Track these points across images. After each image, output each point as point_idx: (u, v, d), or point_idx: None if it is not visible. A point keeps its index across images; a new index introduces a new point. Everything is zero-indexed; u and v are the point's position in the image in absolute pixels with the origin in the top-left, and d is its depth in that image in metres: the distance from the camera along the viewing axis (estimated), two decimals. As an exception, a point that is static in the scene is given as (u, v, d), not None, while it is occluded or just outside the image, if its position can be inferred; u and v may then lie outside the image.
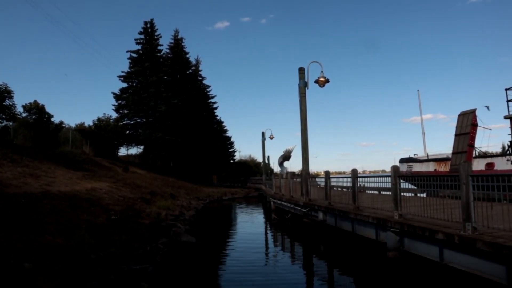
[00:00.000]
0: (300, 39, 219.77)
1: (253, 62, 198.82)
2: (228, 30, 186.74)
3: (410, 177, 10.29)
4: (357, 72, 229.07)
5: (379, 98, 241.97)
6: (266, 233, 18.04)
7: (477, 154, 22.46)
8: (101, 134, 35.81)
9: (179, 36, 54.38)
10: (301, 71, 17.28)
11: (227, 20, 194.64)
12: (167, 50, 52.65)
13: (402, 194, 9.08)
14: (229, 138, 65.26)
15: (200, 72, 58.97)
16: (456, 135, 22.17)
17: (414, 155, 28.84)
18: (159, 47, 48.02)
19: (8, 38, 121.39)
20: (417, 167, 26.60)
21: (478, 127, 21.61)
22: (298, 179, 19.41)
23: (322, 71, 16.41)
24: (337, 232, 12.69)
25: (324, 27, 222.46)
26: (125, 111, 44.89)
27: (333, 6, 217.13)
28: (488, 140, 44.71)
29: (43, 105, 26.29)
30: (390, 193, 9.36)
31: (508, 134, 21.54)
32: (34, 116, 25.75)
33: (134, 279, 7.62)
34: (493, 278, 5.85)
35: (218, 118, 62.14)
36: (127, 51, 46.24)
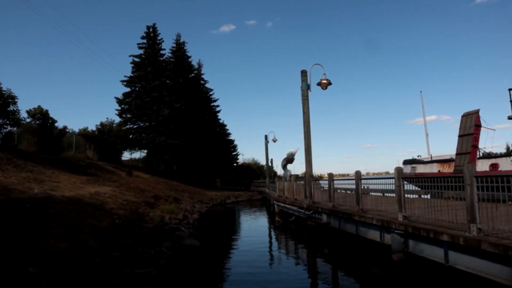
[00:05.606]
0: (304, 41, 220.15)
1: (256, 65, 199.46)
2: (233, 33, 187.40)
3: (414, 178, 10.23)
4: (360, 74, 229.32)
5: (382, 100, 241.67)
6: (270, 236, 17.99)
7: (481, 155, 22.31)
8: (105, 139, 35.92)
9: (181, 40, 54.73)
10: (304, 73, 17.31)
11: (233, 24, 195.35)
12: (170, 55, 52.94)
13: (406, 195, 9.06)
14: (232, 141, 65.36)
15: (202, 76, 59.16)
16: (459, 136, 22.05)
17: (418, 156, 28.65)
18: (162, 52, 48.22)
19: (11, 43, 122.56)
20: (420, 169, 26.43)
21: (482, 128, 21.48)
22: (302, 182, 19.38)
23: (324, 74, 16.43)
24: (341, 235, 12.65)
25: (327, 29, 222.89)
26: (128, 116, 45.01)
27: (336, 9, 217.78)
28: (492, 140, 44.24)
29: (47, 110, 26.42)
30: (394, 195, 9.32)
31: (512, 135, 21.42)
32: (38, 121, 25.85)
33: (138, 283, 7.63)
34: (499, 280, 5.81)
35: (221, 121, 62.30)
36: (130, 56, 46.44)
